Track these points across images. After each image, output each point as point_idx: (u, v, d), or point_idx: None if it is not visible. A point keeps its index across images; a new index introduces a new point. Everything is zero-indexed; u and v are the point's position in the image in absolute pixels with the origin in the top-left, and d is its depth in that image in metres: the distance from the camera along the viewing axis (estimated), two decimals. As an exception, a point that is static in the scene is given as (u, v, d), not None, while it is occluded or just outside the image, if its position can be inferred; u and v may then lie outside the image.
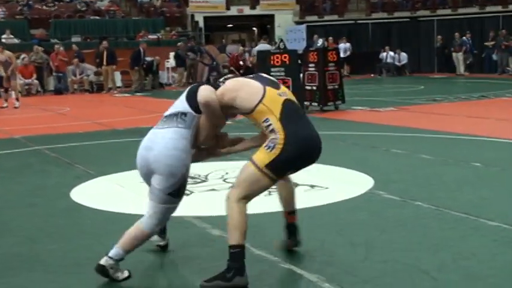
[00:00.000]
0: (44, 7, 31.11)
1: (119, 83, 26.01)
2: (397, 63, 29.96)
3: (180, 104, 4.46)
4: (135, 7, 33.03)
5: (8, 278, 4.61)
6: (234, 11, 34.33)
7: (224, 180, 7.67)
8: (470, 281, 4.27)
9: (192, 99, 4.39)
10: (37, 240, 5.49)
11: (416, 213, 5.96)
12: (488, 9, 29.83)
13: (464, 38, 27.71)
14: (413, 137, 10.91)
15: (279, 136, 4.19)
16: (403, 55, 30.12)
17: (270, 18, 35.04)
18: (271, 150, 4.20)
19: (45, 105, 19.50)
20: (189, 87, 4.57)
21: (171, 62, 27.81)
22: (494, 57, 27.94)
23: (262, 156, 4.22)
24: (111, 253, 4.38)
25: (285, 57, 13.33)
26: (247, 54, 28.92)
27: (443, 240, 5.12)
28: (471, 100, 17.37)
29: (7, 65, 19.05)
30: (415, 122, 12.63)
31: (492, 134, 10.85)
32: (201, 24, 33.58)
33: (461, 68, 28.03)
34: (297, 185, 7.19)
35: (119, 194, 7.29)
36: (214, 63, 28.40)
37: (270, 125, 4.24)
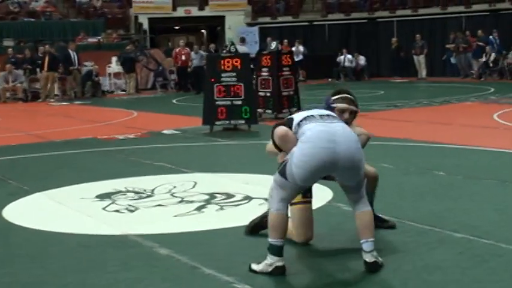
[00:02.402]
0: (-27, 8, 30.69)
1: (56, 91, 25.72)
2: (355, 65, 30.28)
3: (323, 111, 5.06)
4: (74, 8, 32.74)
5: None
6: (181, 12, 34.27)
7: (172, 195, 7.62)
8: (435, 297, 4.32)
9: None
10: (-33, 264, 5.38)
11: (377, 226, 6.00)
12: (450, 9, 30.29)
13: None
14: (373, 145, 10.95)
15: None
16: (361, 58, 30.43)
17: (220, 19, 35.07)
18: None
19: (-25, 115, 19.17)
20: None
21: (113, 67, 27.56)
22: (453, 60, 28.39)
23: None
24: (371, 247, 4.82)
25: (236, 61, 13.29)
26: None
27: (407, 253, 5.18)
28: (433, 105, 17.64)
29: None
30: (374, 129, 12.69)
31: (455, 141, 11.02)
32: (146, 26, 33.44)
33: (422, 72, 28.40)
34: (251, 198, 7.23)
35: (57, 211, 7.17)
36: (160, 68, 28.31)
37: None
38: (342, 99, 5.34)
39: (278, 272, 4.77)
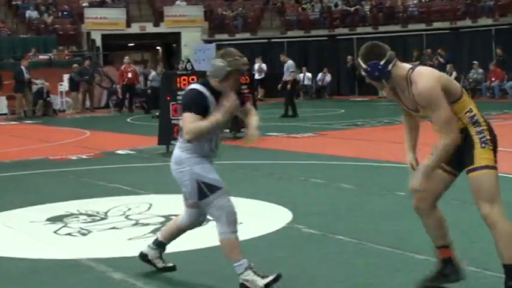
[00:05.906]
0: None
1: (4, 110, 25.41)
2: (320, 82, 30.55)
3: None
4: (24, 24, 32.44)
5: None
6: (135, 28, 34.18)
7: (126, 217, 7.57)
8: (397, 320, 4.34)
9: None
10: None
11: (338, 248, 6.03)
12: (410, 27, 30.68)
13: None
14: (334, 165, 11.07)
15: (484, 127, 4.52)
16: (328, 75, 30.64)
17: (176, 36, 35.01)
18: (487, 146, 4.49)
19: None
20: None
21: (64, 85, 27.34)
22: None
23: (485, 155, 4.47)
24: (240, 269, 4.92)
25: (192, 79, 13.29)
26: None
27: (369, 277, 5.19)
28: (395, 124, 17.77)
29: None
30: (335, 149, 12.83)
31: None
32: (99, 43, 33.27)
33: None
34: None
35: (6, 235, 7.08)
36: (114, 86, 28.16)
37: (474, 115, 4.55)
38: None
39: None
